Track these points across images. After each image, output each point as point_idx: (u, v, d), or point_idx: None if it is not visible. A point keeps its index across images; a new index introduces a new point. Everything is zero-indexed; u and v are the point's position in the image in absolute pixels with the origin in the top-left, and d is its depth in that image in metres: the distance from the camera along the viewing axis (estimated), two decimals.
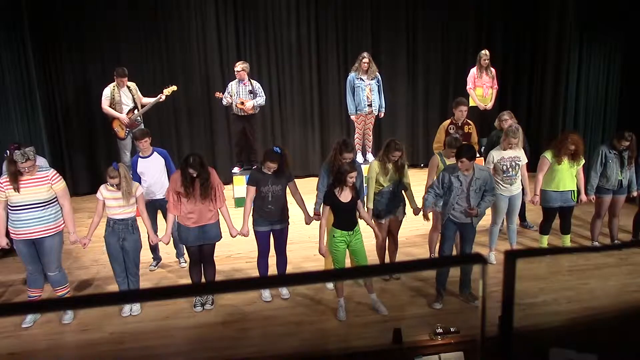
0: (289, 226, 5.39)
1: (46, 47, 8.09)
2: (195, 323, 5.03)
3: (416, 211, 5.64)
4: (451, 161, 5.63)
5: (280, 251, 5.38)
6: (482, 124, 7.76)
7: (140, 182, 5.75)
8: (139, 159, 5.83)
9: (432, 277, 5.57)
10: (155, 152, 5.85)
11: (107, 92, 7.49)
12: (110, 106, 7.50)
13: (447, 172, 5.09)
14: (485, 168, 5.44)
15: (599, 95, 8.06)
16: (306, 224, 5.50)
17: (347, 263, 5.23)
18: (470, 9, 9.45)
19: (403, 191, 5.52)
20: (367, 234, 5.40)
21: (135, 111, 7.55)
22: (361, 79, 7.87)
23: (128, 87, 7.54)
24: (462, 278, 5.31)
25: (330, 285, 5.53)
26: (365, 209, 5.30)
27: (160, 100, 7.55)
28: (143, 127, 7.69)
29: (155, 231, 5.52)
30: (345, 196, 4.88)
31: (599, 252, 6.00)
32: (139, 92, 7.66)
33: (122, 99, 7.49)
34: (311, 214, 5.48)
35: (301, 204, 5.40)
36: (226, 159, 9.03)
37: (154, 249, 5.99)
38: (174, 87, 7.58)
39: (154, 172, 5.80)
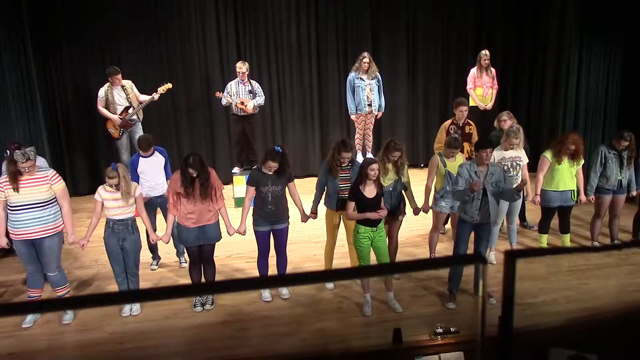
0: (289, 226, 5.38)
1: (46, 47, 8.09)
2: (195, 323, 5.02)
3: (416, 211, 5.64)
4: (451, 161, 5.64)
5: (280, 251, 5.38)
6: (482, 124, 7.74)
7: (138, 181, 5.76)
8: (140, 158, 5.83)
9: (431, 277, 5.58)
10: (156, 151, 5.87)
11: (101, 93, 7.49)
12: (104, 107, 7.49)
13: (464, 168, 5.06)
14: (497, 163, 5.46)
15: (599, 95, 8.06)
16: (302, 221, 5.50)
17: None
18: (470, 9, 9.45)
19: (403, 191, 5.52)
20: None
21: (130, 110, 7.53)
22: (361, 78, 7.88)
23: (123, 87, 7.51)
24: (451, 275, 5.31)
25: (330, 285, 5.54)
26: None
27: (154, 99, 7.52)
28: (141, 125, 7.69)
29: (154, 230, 5.52)
30: (370, 191, 4.89)
31: (599, 252, 6.00)
32: (134, 90, 7.62)
33: (115, 99, 7.47)
34: (308, 213, 5.49)
35: (298, 203, 5.40)
36: (226, 159, 9.04)
37: (153, 248, 5.99)
38: (169, 85, 7.53)
39: (155, 171, 5.80)
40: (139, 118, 7.69)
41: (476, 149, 5.10)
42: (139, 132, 7.67)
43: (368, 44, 9.16)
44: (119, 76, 7.44)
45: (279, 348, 4.63)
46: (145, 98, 7.59)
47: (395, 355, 4.12)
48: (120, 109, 7.50)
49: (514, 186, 5.30)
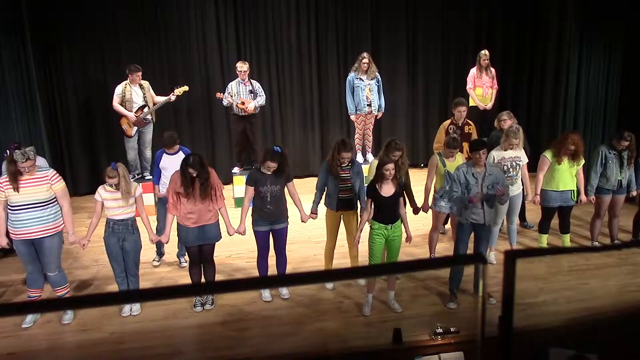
0: (289, 226, 5.38)
1: (46, 47, 8.09)
2: (195, 323, 5.03)
3: (416, 211, 5.64)
4: (450, 161, 5.64)
5: (280, 251, 5.38)
6: (482, 124, 7.76)
7: (160, 177, 5.80)
8: (164, 154, 5.85)
9: (431, 277, 5.57)
10: (180, 151, 5.87)
11: (118, 89, 7.49)
12: (120, 104, 7.50)
13: (461, 170, 5.08)
14: (496, 164, 5.46)
15: (599, 95, 8.06)
16: (302, 221, 5.50)
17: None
18: (470, 9, 9.46)
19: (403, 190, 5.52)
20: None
21: (145, 109, 7.54)
22: (361, 79, 7.88)
23: (141, 86, 7.52)
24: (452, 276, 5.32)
25: (330, 285, 5.54)
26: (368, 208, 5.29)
27: (170, 100, 7.52)
28: (152, 126, 7.70)
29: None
30: (387, 190, 4.91)
31: (599, 252, 6.01)
32: (151, 91, 7.63)
33: (132, 97, 7.46)
34: (308, 213, 5.49)
35: (298, 203, 5.40)
36: (226, 159, 9.04)
37: (159, 244, 5.99)
38: (186, 88, 7.50)
39: (176, 169, 5.81)
40: (152, 119, 7.69)
41: (470, 151, 5.11)
42: (149, 133, 7.69)
43: (368, 44, 9.17)
44: (139, 74, 7.42)
45: (279, 348, 4.63)
46: (160, 99, 7.59)
47: (395, 355, 4.13)
48: (136, 107, 7.50)
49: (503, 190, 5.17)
